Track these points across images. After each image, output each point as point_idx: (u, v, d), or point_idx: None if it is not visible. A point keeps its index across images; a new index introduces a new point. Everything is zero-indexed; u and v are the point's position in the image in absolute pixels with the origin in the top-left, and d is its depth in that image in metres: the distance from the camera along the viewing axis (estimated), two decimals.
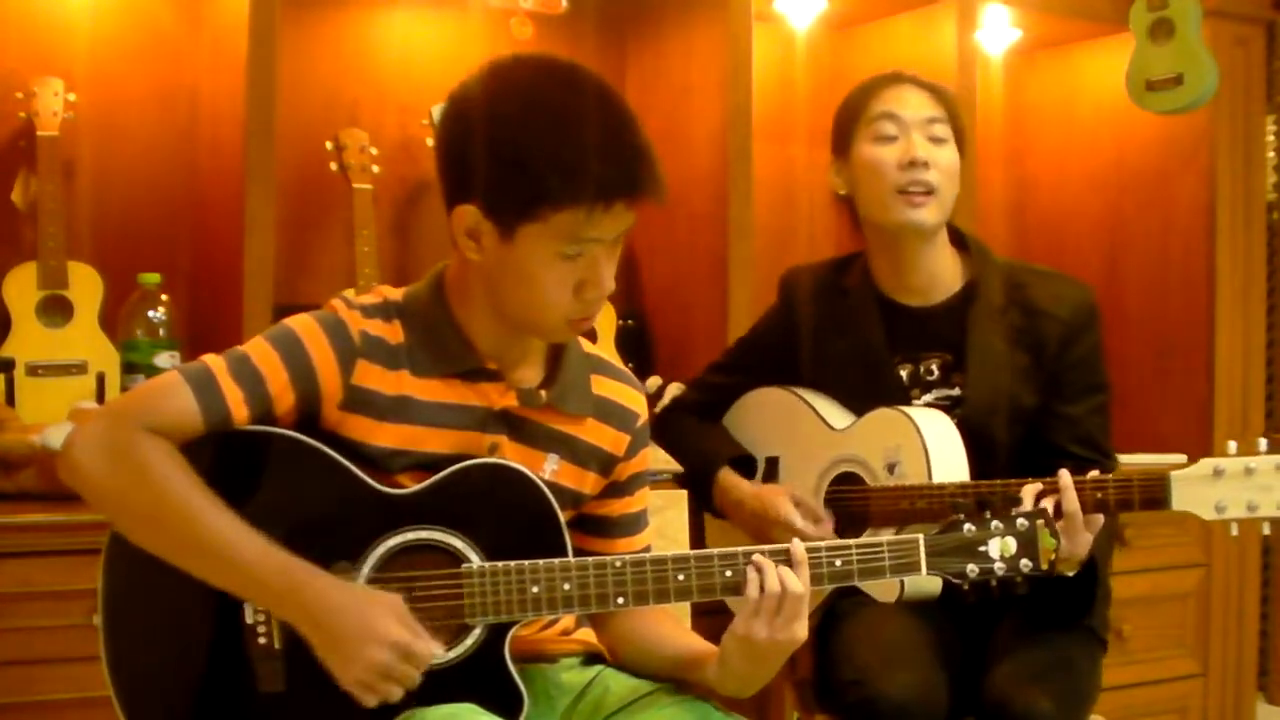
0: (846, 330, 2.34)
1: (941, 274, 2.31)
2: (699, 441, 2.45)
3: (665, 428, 2.50)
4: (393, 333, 1.65)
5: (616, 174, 1.54)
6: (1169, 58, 3.26)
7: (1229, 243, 3.60)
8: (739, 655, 1.64)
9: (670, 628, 1.80)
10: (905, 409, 2.22)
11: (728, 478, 2.37)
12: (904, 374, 2.29)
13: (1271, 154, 3.80)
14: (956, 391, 2.26)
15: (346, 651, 1.51)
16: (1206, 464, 1.87)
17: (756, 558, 1.62)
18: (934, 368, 2.28)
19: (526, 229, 1.55)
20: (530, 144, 1.53)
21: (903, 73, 2.33)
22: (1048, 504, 1.86)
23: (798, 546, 1.64)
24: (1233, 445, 1.88)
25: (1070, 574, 1.98)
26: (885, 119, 2.28)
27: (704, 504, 2.43)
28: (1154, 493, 1.91)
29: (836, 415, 2.32)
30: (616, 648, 1.81)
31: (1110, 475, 1.96)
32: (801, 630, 1.62)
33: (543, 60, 1.64)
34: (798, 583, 1.61)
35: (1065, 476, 1.92)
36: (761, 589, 1.61)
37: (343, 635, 1.51)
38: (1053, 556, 1.72)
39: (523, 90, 1.57)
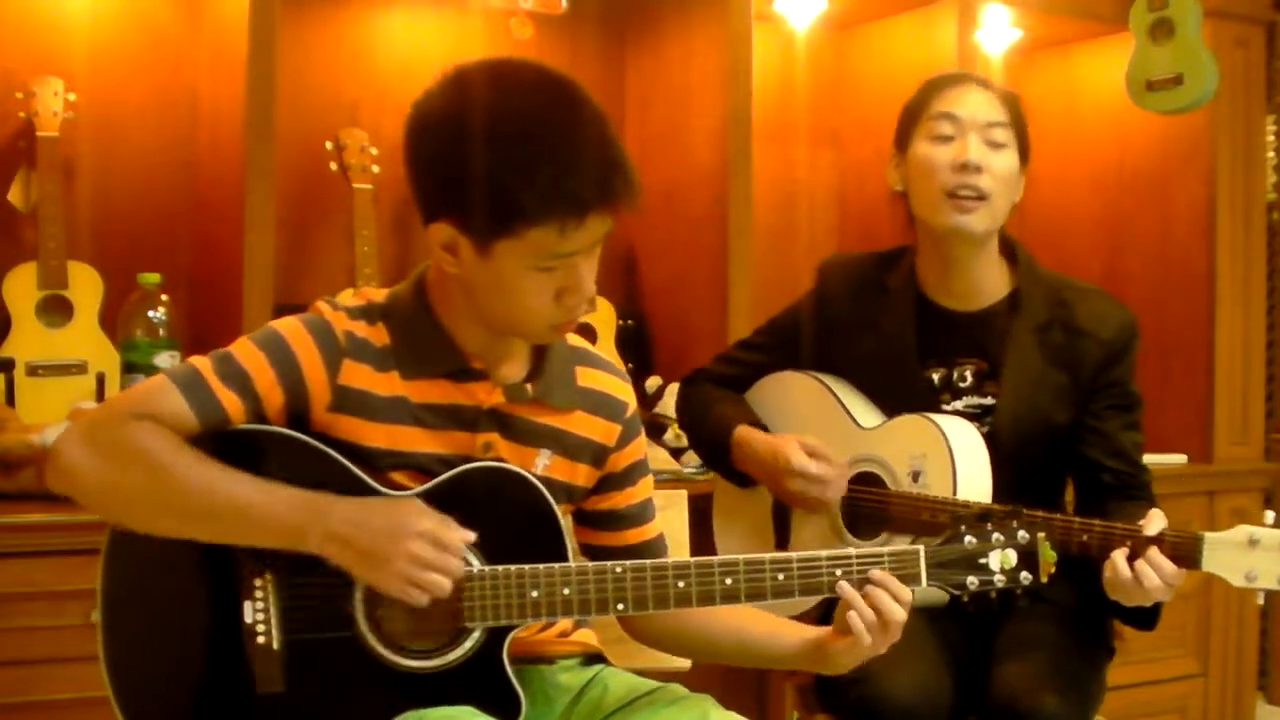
0: (878, 329, 2.32)
1: (986, 281, 2.28)
2: (719, 407, 2.42)
3: (687, 395, 2.49)
4: (377, 335, 1.65)
5: (589, 188, 1.53)
6: (1169, 58, 3.26)
7: (1229, 243, 3.60)
8: (851, 658, 1.68)
9: (751, 621, 1.79)
10: (935, 418, 2.20)
11: (744, 432, 2.34)
12: (935, 378, 2.28)
13: (1271, 154, 3.80)
14: (989, 400, 2.25)
15: (380, 555, 1.50)
16: (1242, 531, 1.87)
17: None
18: (968, 374, 2.27)
19: (502, 245, 1.55)
20: (501, 162, 1.52)
21: (971, 73, 2.31)
22: (1121, 557, 1.90)
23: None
24: (1270, 516, 1.88)
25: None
26: (943, 119, 2.24)
27: (724, 470, 2.41)
28: (1185, 551, 1.90)
29: (864, 412, 2.30)
30: (675, 639, 1.82)
31: (1143, 530, 1.94)
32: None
33: (511, 69, 1.61)
34: (898, 609, 1.65)
35: (1119, 563, 1.92)
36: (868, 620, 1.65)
37: (373, 543, 1.50)
38: (1052, 569, 1.72)
39: (491, 104, 1.55)
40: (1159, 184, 3.69)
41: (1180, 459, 3.56)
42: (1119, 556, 1.92)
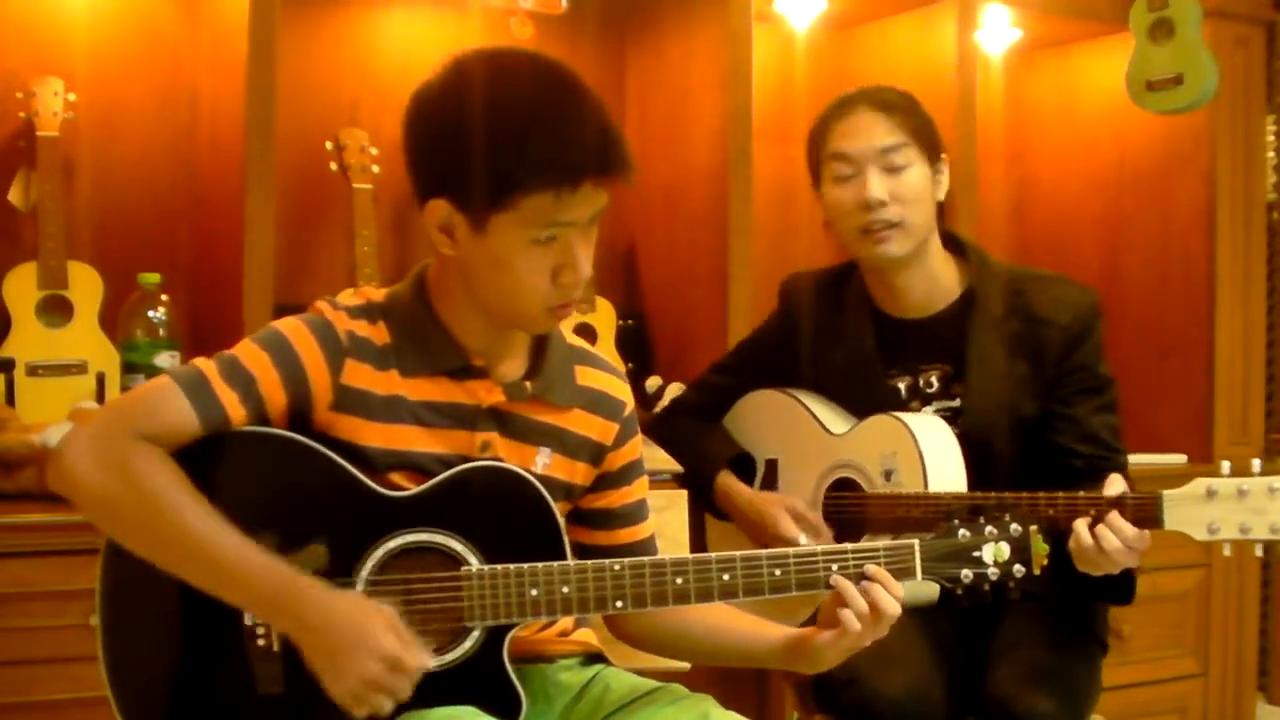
0: (841, 342, 2.34)
1: (936, 286, 2.29)
2: (697, 442, 2.45)
3: (664, 429, 2.50)
4: (378, 334, 1.65)
5: (581, 155, 1.54)
6: (1169, 58, 3.26)
7: (1229, 243, 3.60)
8: (836, 652, 1.68)
9: (731, 618, 1.80)
10: (903, 416, 2.21)
11: (726, 481, 2.37)
12: (902, 386, 2.29)
13: (1271, 154, 3.80)
14: (957, 403, 2.25)
15: (339, 662, 1.50)
16: (1199, 484, 1.88)
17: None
18: (933, 379, 2.28)
19: (498, 219, 1.56)
20: (493, 135, 1.54)
21: (855, 95, 2.29)
22: (1083, 525, 1.92)
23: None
24: (1226, 465, 1.89)
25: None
26: (838, 159, 2.26)
27: (704, 504, 2.43)
28: (1147, 512, 1.91)
29: (835, 420, 2.32)
30: (656, 639, 1.82)
31: (1105, 494, 1.96)
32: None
33: (501, 53, 1.65)
34: (892, 602, 1.65)
35: (1082, 531, 1.94)
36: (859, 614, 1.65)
37: (336, 646, 1.50)
38: (1044, 561, 1.73)
39: (482, 83, 1.58)
40: (1159, 184, 3.69)
41: (1180, 459, 3.56)
42: (1081, 525, 1.94)
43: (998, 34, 3.68)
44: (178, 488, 1.53)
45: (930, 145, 2.27)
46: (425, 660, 1.53)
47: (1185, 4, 3.25)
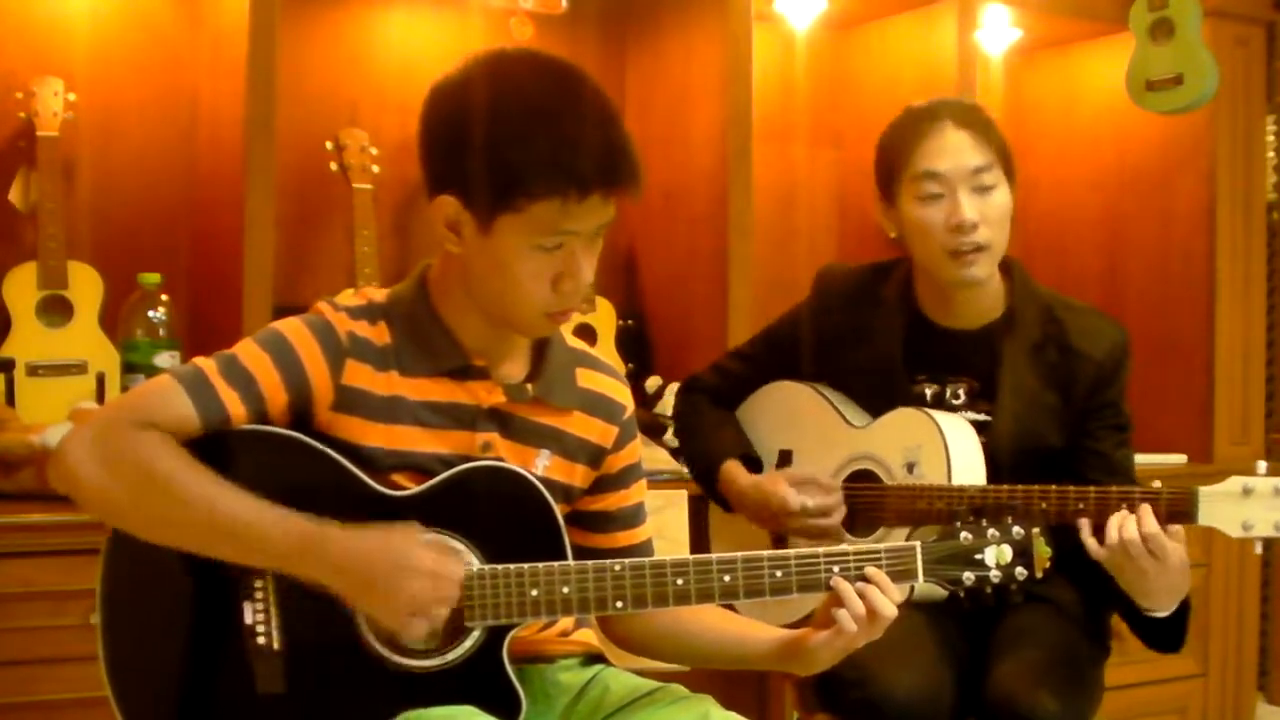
0: (869, 340, 2.31)
1: (983, 302, 2.27)
2: (711, 433, 2.42)
3: (683, 409, 2.49)
4: (379, 334, 1.65)
5: (592, 166, 1.55)
6: (1169, 58, 3.26)
7: (1229, 243, 3.60)
8: (830, 652, 1.68)
9: (724, 620, 1.80)
10: (928, 410, 2.20)
11: (730, 470, 2.34)
12: (929, 393, 2.27)
13: (1271, 154, 3.80)
14: (983, 417, 2.24)
15: (384, 590, 1.51)
16: (1235, 482, 1.87)
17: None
18: (960, 392, 2.26)
19: (504, 220, 1.56)
20: (507, 135, 1.54)
21: (936, 109, 2.23)
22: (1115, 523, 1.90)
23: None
24: (1262, 465, 1.89)
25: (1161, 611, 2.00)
26: (927, 179, 2.19)
27: (712, 495, 2.42)
28: (1181, 507, 1.90)
29: (856, 415, 2.31)
30: (648, 641, 1.82)
31: (1137, 489, 1.95)
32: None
33: (525, 54, 1.65)
34: (889, 605, 1.65)
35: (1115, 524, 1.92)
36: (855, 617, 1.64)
37: (375, 576, 1.51)
38: (1047, 565, 1.73)
39: (502, 83, 1.58)
40: (1159, 184, 3.69)
41: (1180, 459, 3.56)
42: (1114, 522, 1.92)
43: (998, 34, 3.68)
44: (184, 464, 1.53)
45: (1009, 164, 2.23)
46: (462, 564, 1.55)
47: (1185, 4, 3.25)
